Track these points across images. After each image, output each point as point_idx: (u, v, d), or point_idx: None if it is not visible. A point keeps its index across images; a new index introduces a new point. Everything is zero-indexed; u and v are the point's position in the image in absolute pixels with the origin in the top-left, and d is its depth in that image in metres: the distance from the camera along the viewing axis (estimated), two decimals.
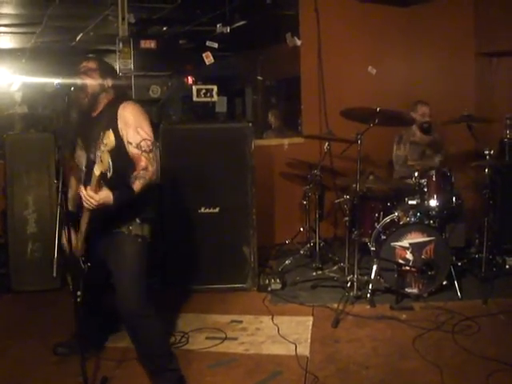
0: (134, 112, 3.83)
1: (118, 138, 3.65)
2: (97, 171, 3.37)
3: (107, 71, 3.98)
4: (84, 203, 3.52)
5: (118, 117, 3.79)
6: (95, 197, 3.47)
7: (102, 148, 3.29)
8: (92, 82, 3.86)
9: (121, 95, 4.05)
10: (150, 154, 3.73)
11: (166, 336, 4.45)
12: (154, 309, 3.95)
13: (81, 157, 3.96)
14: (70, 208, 3.97)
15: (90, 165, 3.80)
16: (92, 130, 3.85)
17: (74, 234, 3.94)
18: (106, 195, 3.51)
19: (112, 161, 3.59)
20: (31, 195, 6.03)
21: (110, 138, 3.29)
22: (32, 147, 6.05)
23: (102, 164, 3.33)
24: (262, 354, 4.59)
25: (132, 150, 3.73)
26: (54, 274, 3.49)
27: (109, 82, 3.93)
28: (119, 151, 3.69)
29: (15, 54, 13.86)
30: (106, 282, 4.09)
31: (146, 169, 3.69)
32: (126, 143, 3.75)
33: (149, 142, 3.73)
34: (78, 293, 3.86)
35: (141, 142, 3.70)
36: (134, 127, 3.73)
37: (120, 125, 3.78)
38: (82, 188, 3.51)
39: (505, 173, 6.54)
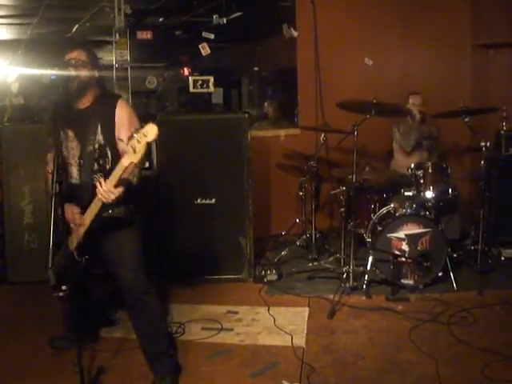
0: (129, 111, 3.93)
1: (114, 133, 3.83)
2: (126, 161, 3.32)
3: (95, 62, 4.00)
4: (101, 198, 3.50)
5: (116, 113, 3.87)
6: (115, 191, 3.47)
7: (139, 138, 3.22)
8: (84, 74, 3.87)
9: (108, 90, 4.14)
10: None
11: (164, 319, 4.48)
12: (153, 289, 4.00)
13: (73, 149, 3.95)
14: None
15: (85, 157, 3.86)
16: (85, 123, 3.87)
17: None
18: (122, 189, 3.51)
19: (111, 154, 3.84)
20: (27, 186, 6.03)
21: (152, 130, 3.21)
22: (28, 138, 6.04)
23: (135, 155, 3.25)
24: (258, 345, 4.61)
25: (124, 146, 3.73)
26: (50, 265, 3.48)
27: (96, 74, 3.95)
28: (116, 145, 3.83)
29: (11, 45, 13.82)
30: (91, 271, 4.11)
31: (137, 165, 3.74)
32: (117, 139, 3.80)
33: None
34: (63, 287, 3.86)
35: None
36: (127, 126, 3.80)
37: (116, 122, 3.87)
38: (102, 182, 3.48)
39: (501, 165, 6.55)
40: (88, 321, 4.48)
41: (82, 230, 3.81)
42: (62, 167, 3.95)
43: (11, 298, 5.76)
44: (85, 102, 3.94)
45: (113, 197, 3.48)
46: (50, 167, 4.02)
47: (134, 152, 3.26)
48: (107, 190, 3.46)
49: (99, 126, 3.84)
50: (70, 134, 3.93)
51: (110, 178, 3.46)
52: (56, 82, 3.93)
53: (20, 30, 12.61)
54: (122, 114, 3.88)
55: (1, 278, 6.03)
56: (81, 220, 3.81)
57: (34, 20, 11.44)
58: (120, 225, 3.84)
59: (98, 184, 3.49)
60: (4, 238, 6.06)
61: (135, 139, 3.25)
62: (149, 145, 3.26)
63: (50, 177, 3.86)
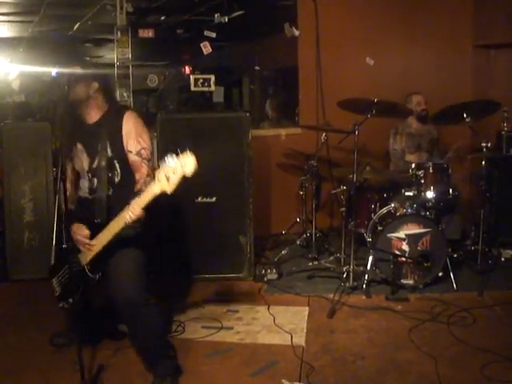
0: (136, 122, 3.96)
1: (123, 146, 3.87)
2: (157, 189, 3.30)
3: (93, 75, 4.00)
4: (129, 218, 3.47)
5: (123, 126, 3.90)
6: (141, 213, 3.46)
7: (175, 168, 3.22)
8: (81, 87, 3.92)
9: (118, 104, 4.20)
10: (150, 163, 3.88)
11: (164, 324, 4.46)
12: (152, 297, 3.93)
13: (82, 162, 4.00)
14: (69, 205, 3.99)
15: (98, 173, 3.91)
16: (93, 137, 3.92)
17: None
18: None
19: (119, 167, 3.86)
20: (28, 184, 6.03)
21: (191, 163, 3.22)
22: (29, 136, 6.04)
23: (169, 185, 3.24)
24: (257, 344, 4.61)
25: (132, 157, 3.86)
26: (52, 262, 3.49)
27: (95, 86, 3.96)
28: (125, 158, 3.87)
29: (13, 43, 13.83)
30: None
31: (149, 175, 3.79)
32: (126, 151, 3.87)
33: (148, 151, 3.89)
34: (70, 300, 3.87)
35: (140, 150, 3.86)
36: (134, 137, 3.87)
37: (124, 134, 3.90)
38: (134, 206, 3.45)
39: (501, 165, 6.56)
40: (89, 324, 4.48)
41: (95, 250, 3.76)
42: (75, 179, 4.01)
43: (11, 295, 5.76)
44: (93, 117, 3.98)
45: (136, 218, 3.47)
46: (69, 184, 4.06)
47: (168, 181, 3.24)
48: (134, 215, 3.44)
49: (107, 140, 3.88)
50: (80, 147, 3.97)
51: (139, 201, 3.42)
52: (58, 79, 3.95)
53: (21, 27, 12.62)
54: (129, 125, 3.91)
55: (1, 276, 6.03)
56: (90, 246, 3.77)
57: (36, 18, 11.44)
58: (127, 243, 3.81)
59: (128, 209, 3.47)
60: (4, 235, 6.07)
61: (170, 169, 3.22)
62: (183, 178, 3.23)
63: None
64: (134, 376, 4.10)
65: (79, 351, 3.65)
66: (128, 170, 3.88)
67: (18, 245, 6.06)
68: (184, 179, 3.24)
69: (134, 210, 3.43)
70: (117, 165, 3.89)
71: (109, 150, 3.88)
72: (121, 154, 3.88)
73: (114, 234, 3.62)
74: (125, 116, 3.93)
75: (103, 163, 3.88)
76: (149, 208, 3.49)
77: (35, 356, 4.42)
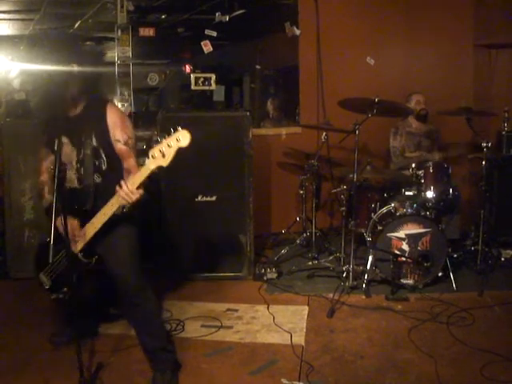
0: (120, 114, 4.02)
1: (108, 135, 3.88)
2: (153, 165, 3.34)
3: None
4: (123, 200, 3.50)
5: (108, 116, 3.92)
6: (137, 193, 3.48)
7: (170, 143, 3.27)
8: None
9: (98, 95, 4.14)
10: (135, 152, 3.92)
11: (161, 314, 4.49)
12: (149, 284, 3.99)
13: (68, 154, 3.98)
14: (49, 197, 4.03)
15: (84, 161, 3.91)
16: (77, 128, 3.92)
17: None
18: (142, 191, 3.53)
19: (105, 156, 3.90)
20: (28, 182, 6.01)
21: (186, 136, 3.27)
22: (29, 134, 6.02)
23: (164, 159, 3.30)
24: (257, 343, 4.61)
25: (120, 146, 3.88)
26: (50, 260, 3.48)
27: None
28: (110, 147, 3.89)
29: (13, 41, 13.82)
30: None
31: (137, 162, 3.84)
32: (113, 141, 3.89)
33: (133, 141, 3.94)
34: (65, 289, 3.90)
35: (127, 140, 3.89)
36: (120, 127, 3.90)
37: (109, 124, 3.91)
38: (123, 184, 3.47)
39: (502, 165, 6.57)
40: (86, 316, 4.49)
41: (89, 235, 3.80)
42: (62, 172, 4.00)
43: (11, 293, 5.75)
44: (75, 109, 3.98)
45: (134, 198, 3.49)
46: (45, 177, 4.06)
47: (163, 156, 3.30)
48: (129, 192, 3.46)
49: (92, 130, 3.89)
50: (64, 140, 3.96)
51: (133, 180, 3.47)
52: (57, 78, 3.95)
53: (22, 25, 12.61)
54: (114, 116, 3.93)
55: (1, 274, 6.03)
56: (81, 233, 3.84)
57: (37, 16, 11.44)
58: (118, 222, 3.84)
59: (118, 187, 3.48)
60: (5, 233, 6.06)
61: (165, 144, 3.28)
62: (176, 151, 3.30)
63: (43, 188, 4.06)
64: (133, 375, 4.10)
65: (78, 350, 3.64)
66: (114, 157, 3.90)
67: (19, 243, 6.05)
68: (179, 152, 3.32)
69: (129, 188, 3.45)
70: (102, 153, 3.91)
71: (94, 140, 3.89)
72: (106, 142, 3.89)
73: (108, 217, 3.68)
74: (108, 107, 3.95)
75: (88, 152, 3.90)
76: (146, 187, 3.55)
77: (34, 354, 4.41)
